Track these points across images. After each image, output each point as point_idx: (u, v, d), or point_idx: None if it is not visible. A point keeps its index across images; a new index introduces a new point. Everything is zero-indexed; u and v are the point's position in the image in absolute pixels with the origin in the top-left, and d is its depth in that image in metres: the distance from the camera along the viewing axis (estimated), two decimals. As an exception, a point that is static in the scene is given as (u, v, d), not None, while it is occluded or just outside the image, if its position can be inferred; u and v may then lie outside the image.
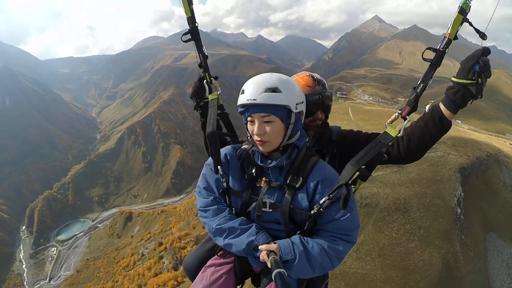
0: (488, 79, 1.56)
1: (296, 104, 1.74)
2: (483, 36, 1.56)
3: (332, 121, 2.30)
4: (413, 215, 22.14)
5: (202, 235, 61.88)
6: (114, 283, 66.95)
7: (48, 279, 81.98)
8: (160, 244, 69.38)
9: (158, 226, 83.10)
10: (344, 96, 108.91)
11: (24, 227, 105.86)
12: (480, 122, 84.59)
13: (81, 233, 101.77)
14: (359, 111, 73.45)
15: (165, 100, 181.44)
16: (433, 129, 1.73)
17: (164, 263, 62.15)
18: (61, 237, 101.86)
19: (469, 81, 1.55)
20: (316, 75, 2.29)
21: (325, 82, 2.32)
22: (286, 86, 1.72)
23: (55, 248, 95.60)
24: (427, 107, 1.75)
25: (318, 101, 2.22)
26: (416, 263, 18.61)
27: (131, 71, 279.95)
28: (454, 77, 1.62)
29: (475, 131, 68.35)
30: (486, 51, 1.51)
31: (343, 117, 66.98)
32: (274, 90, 1.68)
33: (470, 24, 1.57)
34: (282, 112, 1.71)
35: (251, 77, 1.80)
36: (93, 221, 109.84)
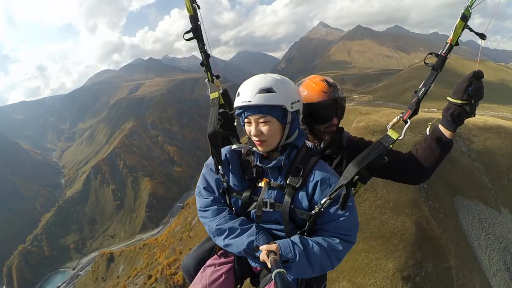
0: (480, 100, 1.64)
1: (292, 103, 1.70)
2: (482, 36, 1.59)
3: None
4: (380, 192, 23.65)
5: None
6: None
7: None
8: (150, 276, 67.06)
9: (143, 260, 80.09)
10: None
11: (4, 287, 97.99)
12: (432, 103, 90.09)
13: (64, 284, 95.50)
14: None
15: (127, 133, 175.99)
16: (435, 150, 1.78)
17: (158, 294, 60.28)
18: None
19: (463, 102, 1.64)
20: (329, 79, 2.19)
21: (338, 86, 2.23)
22: (281, 86, 1.68)
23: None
24: (427, 130, 1.80)
25: (334, 106, 2.15)
26: (392, 230, 20.29)
27: (87, 108, 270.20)
28: (449, 97, 1.70)
29: (426, 112, 73.71)
30: (478, 74, 1.59)
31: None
32: (268, 90, 1.64)
33: (471, 29, 1.60)
34: (277, 112, 1.68)
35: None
36: (73, 269, 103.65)
